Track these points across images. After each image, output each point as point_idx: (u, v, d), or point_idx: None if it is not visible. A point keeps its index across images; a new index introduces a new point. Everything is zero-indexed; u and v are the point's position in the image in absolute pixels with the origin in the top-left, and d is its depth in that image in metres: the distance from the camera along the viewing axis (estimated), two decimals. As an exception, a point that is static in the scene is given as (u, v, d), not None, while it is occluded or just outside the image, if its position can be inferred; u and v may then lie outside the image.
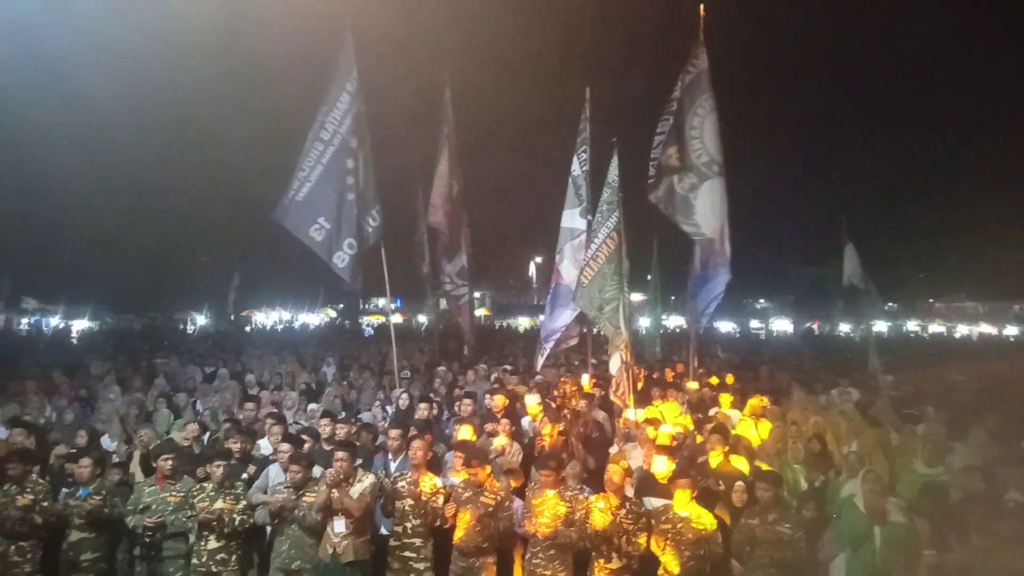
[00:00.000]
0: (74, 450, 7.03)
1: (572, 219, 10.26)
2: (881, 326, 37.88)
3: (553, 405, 9.10)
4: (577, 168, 10.28)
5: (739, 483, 6.20)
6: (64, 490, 6.36)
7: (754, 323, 52.84)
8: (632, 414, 8.08)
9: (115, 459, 7.36)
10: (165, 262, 34.76)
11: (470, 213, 13.86)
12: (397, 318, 13.17)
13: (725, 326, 44.80)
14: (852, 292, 14.63)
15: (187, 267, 36.76)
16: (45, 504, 5.97)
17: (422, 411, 8.71)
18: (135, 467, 7.13)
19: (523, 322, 46.63)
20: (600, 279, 8.66)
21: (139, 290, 37.11)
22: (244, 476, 6.60)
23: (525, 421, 8.64)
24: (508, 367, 13.12)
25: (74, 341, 27.07)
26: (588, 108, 10.26)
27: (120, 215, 30.46)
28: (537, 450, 7.66)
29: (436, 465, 6.88)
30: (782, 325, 51.75)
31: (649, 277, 18.41)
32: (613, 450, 7.74)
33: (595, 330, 10.83)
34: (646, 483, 6.51)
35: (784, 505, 5.87)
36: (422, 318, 40.47)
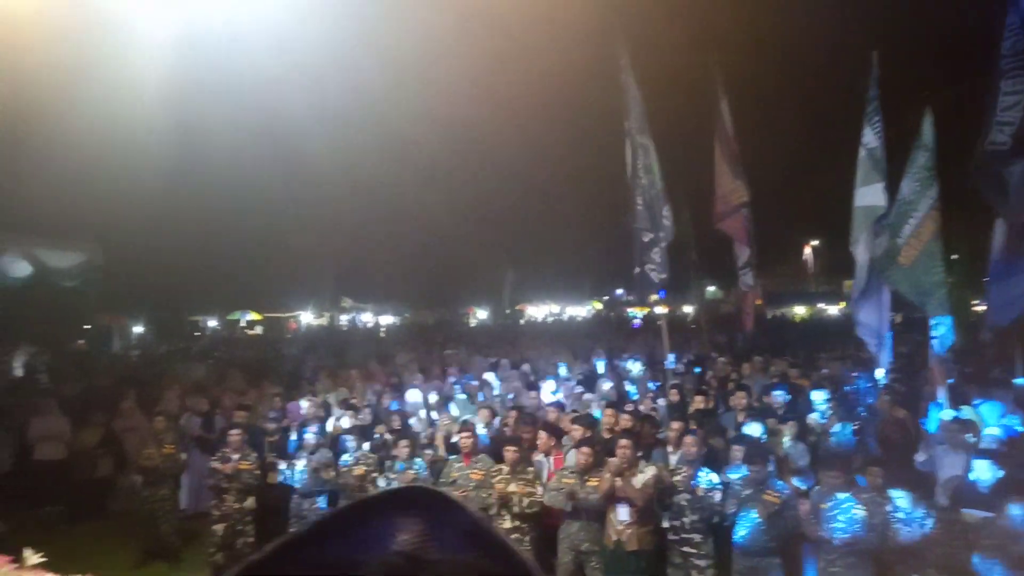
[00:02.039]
0: (392, 431, 8.17)
1: (872, 196, 9.21)
2: None
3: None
4: (873, 139, 9.26)
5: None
6: (386, 463, 7.45)
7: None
8: (946, 413, 7.15)
9: (423, 439, 8.41)
10: (451, 262, 38.60)
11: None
12: (662, 309, 13.06)
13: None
14: None
15: (468, 266, 40.40)
16: (374, 475, 7.07)
17: (697, 403, 8.62)
18: (439, 447, 8.06)
19: (799, 311, 43.35)
20: (927, 260, 7.77)
21: (430, 288, 41.65)
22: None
23: (812, 418, 8.10)
24: (788, 359, 12.40)
25: (382, 334, 31.24)
26: (876, 74, 9.23)
27: (415, 221, 34.43)
28: (823, 449, 7.17)
29: (714, 460, 6.78)
30: None
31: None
32: (920, 458, 6.93)
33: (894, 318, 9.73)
34: (964, 493, 5.74)
35: None
36: (687, 309, 39.78)
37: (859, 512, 5.36)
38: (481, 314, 46.99)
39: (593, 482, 6.17)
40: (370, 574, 0.46)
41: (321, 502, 7.43)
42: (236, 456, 7.34)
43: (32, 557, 3.92)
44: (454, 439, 7.54)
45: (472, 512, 0.54)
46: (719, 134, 12.42)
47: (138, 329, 28.10)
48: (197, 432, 9.39)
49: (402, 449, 7.13)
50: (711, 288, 38.84)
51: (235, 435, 7.50)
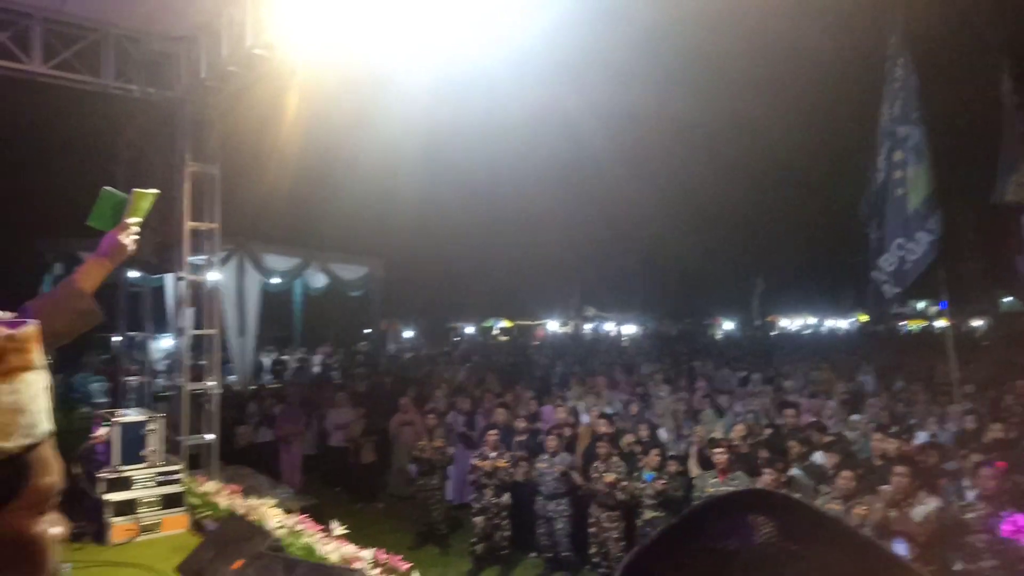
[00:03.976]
0: (640, 440, 8.19)
1: None
2: None
3: None
4: None
5: None
6: (634, 473, 7.48)
7: None
8: None
9: (671, 452, 8.30)
10: (695, 271, 37.61)
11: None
12: (943, 322, 11.34)
13: None
14: None
15: (713, 275, 39.05)
16: (624, 483, 7.14)
17: (994, 432, 7.45)
18: (691, 462, 7.89)
19: None
20: None
21: (673, 298, 40.97)
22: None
23: None
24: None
25: (625, 344, 31.38)
26: None
27: (657, 230, 34.17)
28: None
29: (1020, 498, 5.81)
30: None
31: None
32: None
33: None
34: None
35: None
36: (977, 322, 34.45)
37: None
38: (727, 325, 45.11)
39: (859, 510, 5.65)
40: (745, 561, 0.50)
41: (565, 505, 7.68)
42: (493, 454, 7.89)
43: (338, 529, 4.60)
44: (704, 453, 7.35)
45: (826, 512, 0.56)
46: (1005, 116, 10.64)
47: (407, 334, 31.38)
48: (461, 429, 10.23)
49: (652, 459, 7.13)
50: (1007, 299, 33.32)
51: (493, 434, 8.07)
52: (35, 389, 0.68)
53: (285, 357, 19.91)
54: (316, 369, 18.54)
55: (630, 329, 41.67)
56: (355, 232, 18.61)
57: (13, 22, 5.94)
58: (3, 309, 2.64)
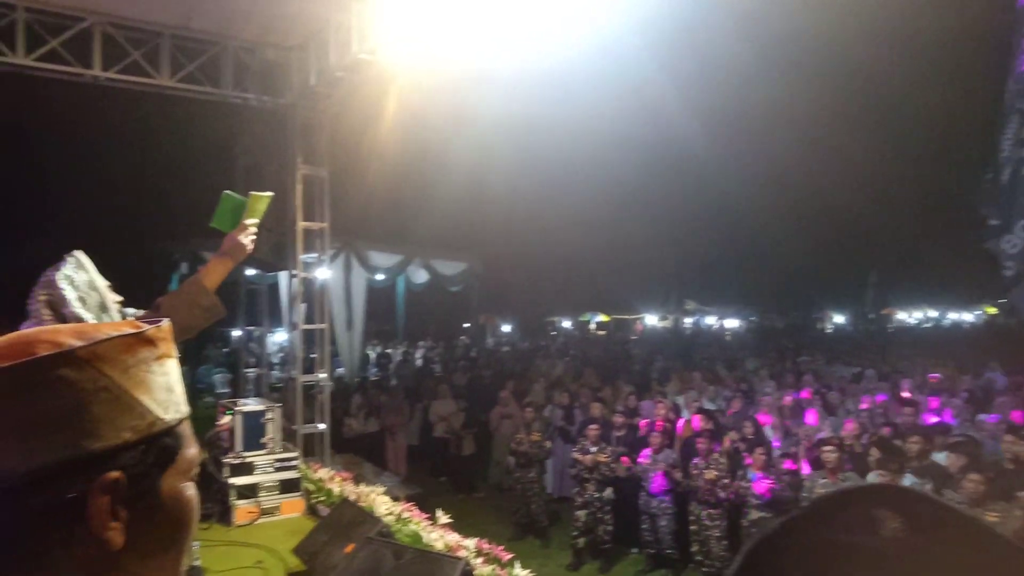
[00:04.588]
0: (746, 439, 7.95)
1: None
2: None
3: None
4: None
5: None
6: (739, 471, 7.27)
7: None
8: None
9: (779, 450, 8.01)
10: (802, 262, 35.89)
11: None
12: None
13: None
14: None
15: (821, 266, 37.16)
16: (726, 481, 6.97)
17: None
18: (799, 459, 7.60)
19: None
20: None
21: (781, 291, 39.36)
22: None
23: None
24: None
25: (727, 338, 30.47)
26: None
27: (759, 220, 32.89)
28: None
29: None
30: None
31: None
32: None
33: None
34: None
35: None
36: None
37: None
38: (837, 318, 42.94)
39: (991, 516, 5.28)
40: (871, 555, 0.50)
41: (668, 501, 7.56)
42: (594, 449, 7.88)
43: (443, 518, 4.74)
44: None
45: (957, 507, 0.55)
46: None
47: (505, 328, 31.73)
48: (559, 423, 10.27)
49: (758, 457, 6.92)
50: None
51: (593, 429, 8.06)
52: (177, 373, 0.80)
53: (389, 350, 20.60)
54: (418, 362, 19.08)
55: (733, 323, 40.40)
56: (455, 229, 19.04)
57: (146, 40, 6.44)
58: (137, 306, 2.85)
